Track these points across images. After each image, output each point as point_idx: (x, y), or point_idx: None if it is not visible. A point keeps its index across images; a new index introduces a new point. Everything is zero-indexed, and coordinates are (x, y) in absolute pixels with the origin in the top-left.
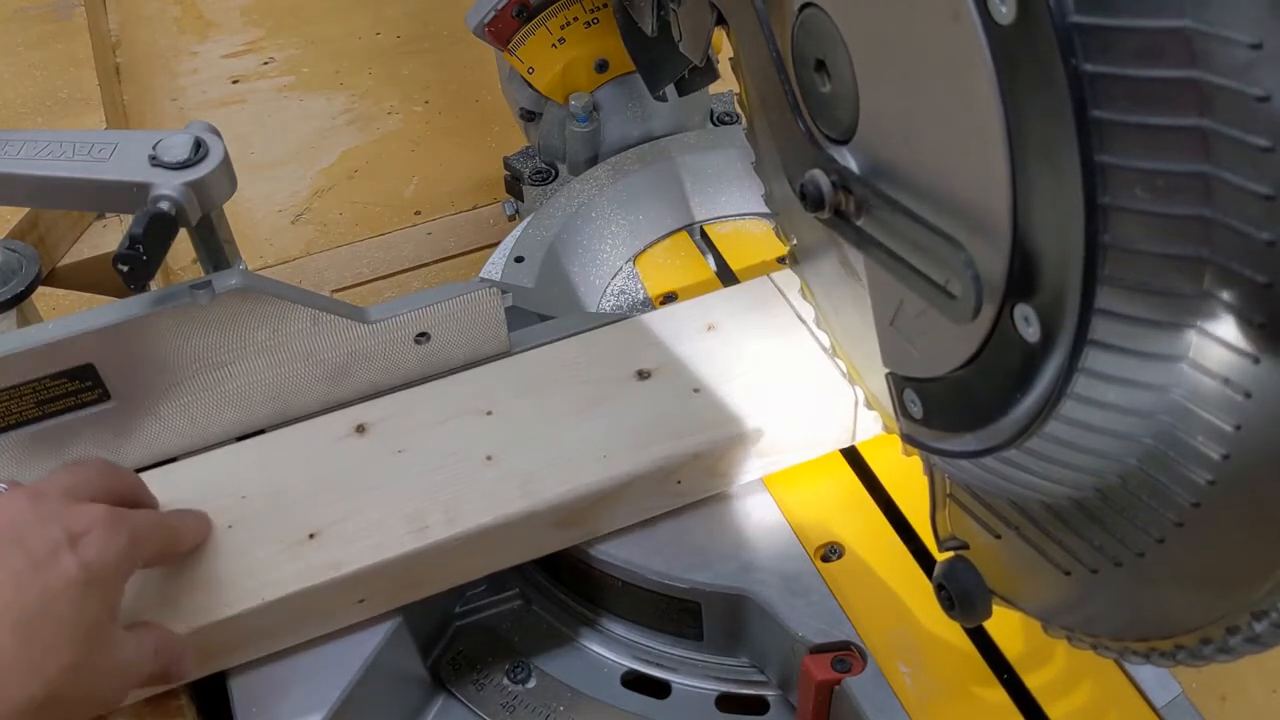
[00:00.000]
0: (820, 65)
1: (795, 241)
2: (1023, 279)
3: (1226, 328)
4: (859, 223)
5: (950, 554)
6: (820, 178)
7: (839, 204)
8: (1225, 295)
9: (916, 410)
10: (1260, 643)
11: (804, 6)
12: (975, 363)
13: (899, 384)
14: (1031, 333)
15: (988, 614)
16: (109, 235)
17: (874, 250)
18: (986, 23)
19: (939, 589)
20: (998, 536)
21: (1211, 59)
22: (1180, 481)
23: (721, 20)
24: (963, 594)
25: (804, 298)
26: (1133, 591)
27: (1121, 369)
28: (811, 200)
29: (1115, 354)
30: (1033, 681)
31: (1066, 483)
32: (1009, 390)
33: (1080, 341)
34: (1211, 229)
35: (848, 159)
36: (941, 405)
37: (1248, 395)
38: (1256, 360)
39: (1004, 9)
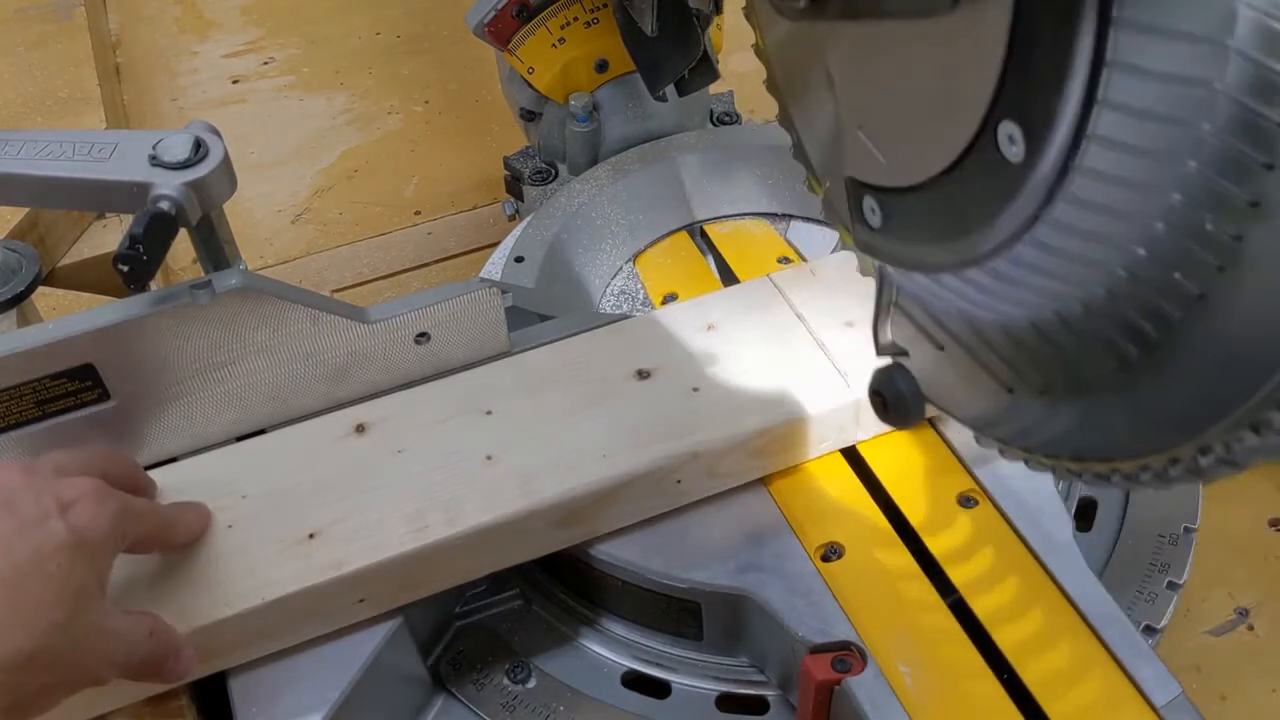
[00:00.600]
0: None
1: (767, 36)
2: (1014, 94)
3: (1227, 154)
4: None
5: (887, 360)
6: None
7: None
8: (1232, 114)
9: (875, 219)
10: (1201, 475)
11: None
12: (949, 177)
13: (858, 190)
14: (1015, 152)
15: (920, 419)
16: (109, 235)
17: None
18: None
19: (874, 394)
20: (940, 348)
21: None
22: (1148, 314)
23: None
24: (898, 399)
25: (769, 90)
26: (1077, 415)
27: (1105, 196)
28: None
29: (1100, 181)
30: (1033, 681)
31: (1027, 305)
32: (981, 209)
33: (1067, 166)
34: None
35: None
36: (904, 217)
37: (1237, 238)
38: (1270, 167)
39: None
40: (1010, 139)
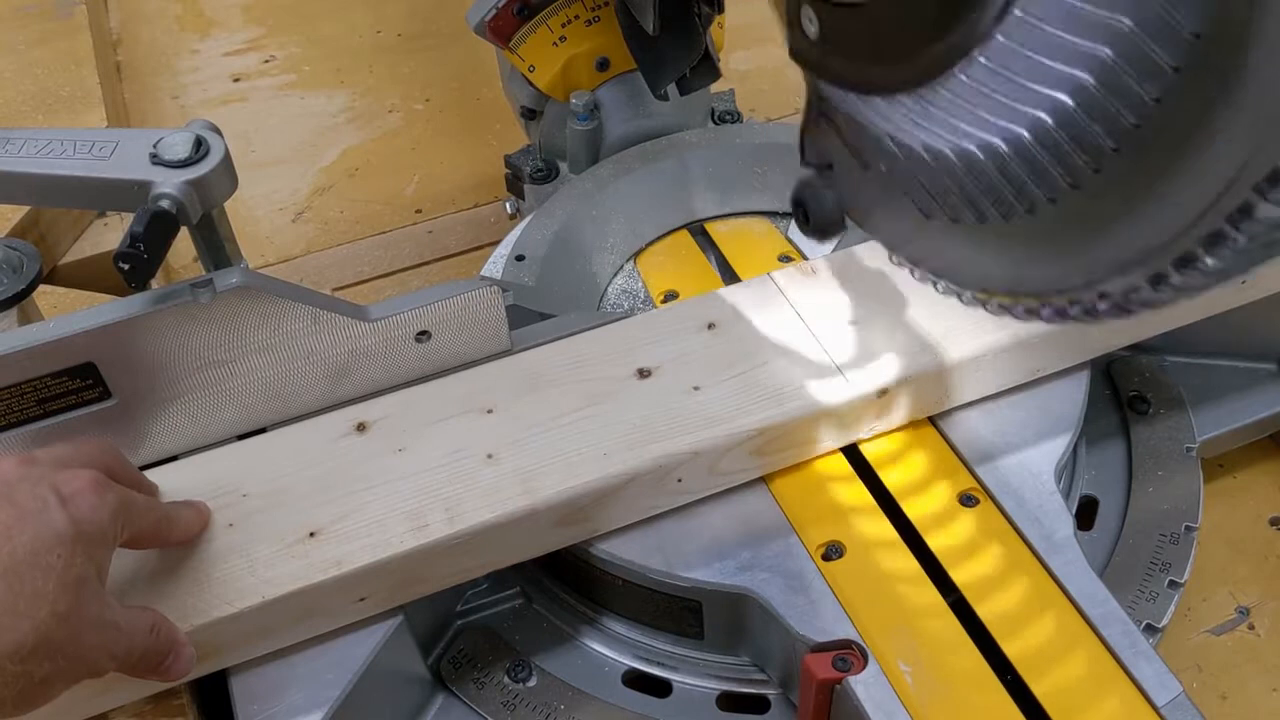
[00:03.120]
0: None
1: None
2: None
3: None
4: None
5: (811, 170)
6: None
7: None
8: None
9: (812, 29)
10: (1095, 316)
11: None
12: None
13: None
14: None
15: (840, 233)
16: (110, 233)
17: None
18: None
19: (796, 205)
20: (866, 168)
21: None
22: (1082, 146)
23: None
24: (820, 213)
25: None
26: (991, 247)
27: (1039, 41)
28: None
29: (1038, 22)
30: (1033, 680)
31: (961, 136)
32: (920, 34)
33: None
34: None
35: None
36: (841, 31)
37: (1176, 70)
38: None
39: None
40: None
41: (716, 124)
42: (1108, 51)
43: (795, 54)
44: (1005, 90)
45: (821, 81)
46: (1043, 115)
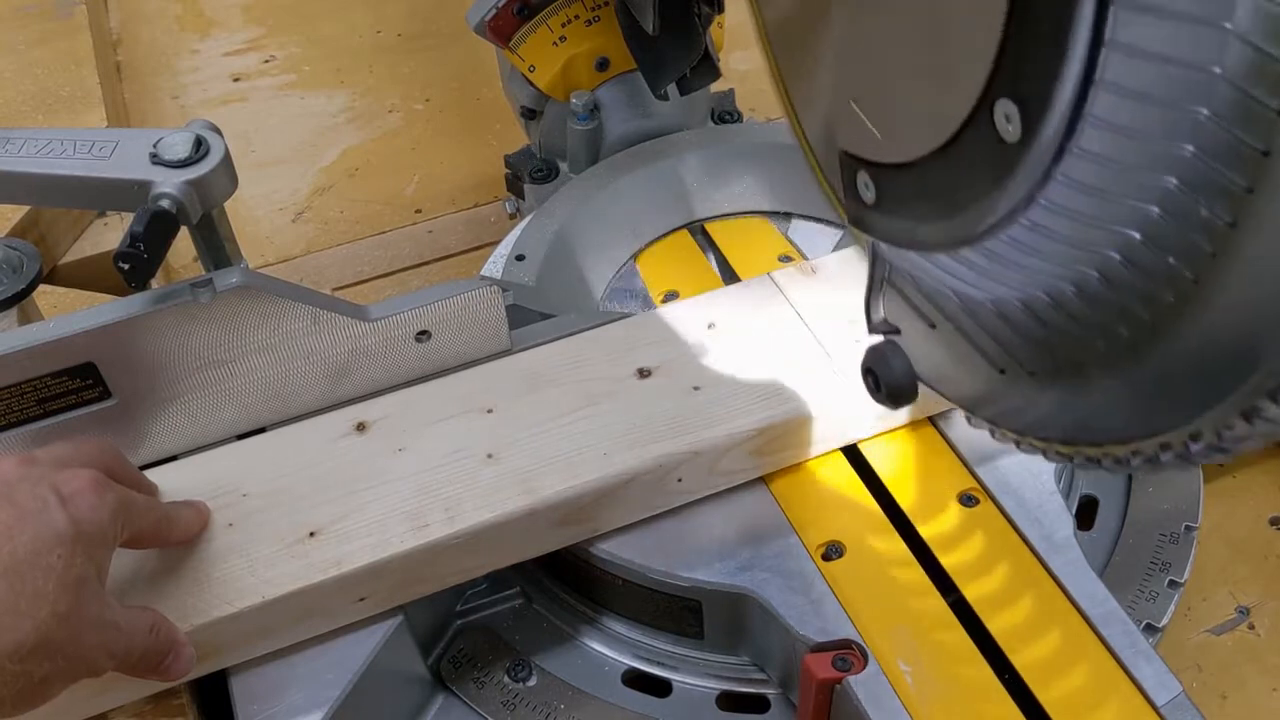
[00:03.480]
0: None
1: (765, 11)
2: (1011, 71)
3: (1223, 139)
4: None
5: (880, 337)
6: None
7: None
8: (1223, 117)
9: (869, 195)
10: (1190, 460)
11: None
12: (943, 154)
13: (852, 165)
14: (1011, 131)
15: (913, 399)
16: (110, 233)
17: None
18: None
19: (866, 373)
20: (933, 326)
21: None
22: (1141, 297)
23: None
24: (891, 379)
25: (767, 66)
26: (1068, 398)
27: (1100, 179)
28: None
29: (1096, 163)
30: (1033, 679)
31: (1018, 285)
32: (975, 188)
33: (1064, 144)
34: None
35: None
36: (898, 193)
37: (1232, 225)
38: (1266, 153)
39: None
40: (1007, 118)
41: (717, 123)
42: (1173, 180)
43: (855, 221)
44: (1069, 231)
45: (882, 244)
46: (1113, 253)
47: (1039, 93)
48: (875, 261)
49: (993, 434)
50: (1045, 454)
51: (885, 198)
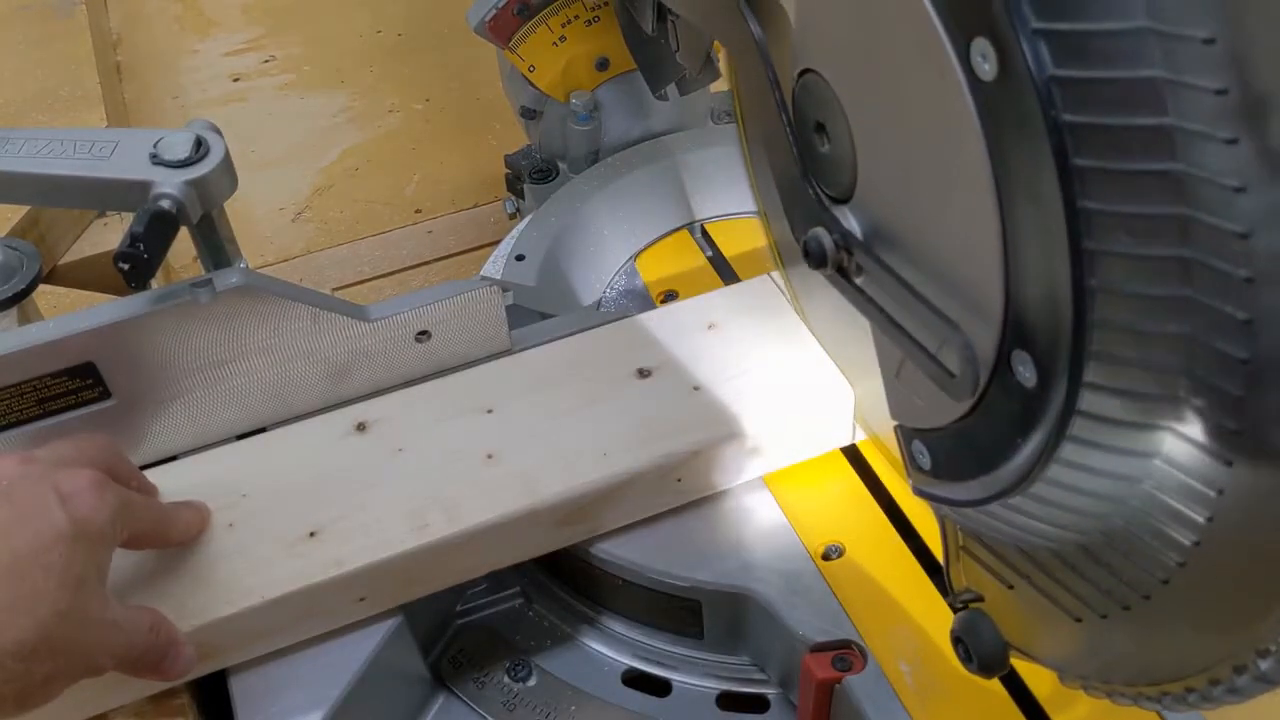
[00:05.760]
0: (820, 127)
1: (809, 307)
2: (1018, 326)
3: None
4: (859, 281)
5: (966, 607)
6: (823, 236)
7: (840, 262)
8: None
9: (925, 462)
10: (1268, 680)
11: (803, 72)
12: (976, 411)
13: (907, 436)
14: (1029, 377)
15: (1005, 667)
16: (110, 233)
17: (873, 313)
18: (971, 81)
19: (956, 642)
20: (1010, 587)
21: (1182, 105)
22: (1180, 521)
23: None
24: (981, 648)
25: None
26: (1141, 634)
27: (1114, 411)
28: (814, 257)
29: (1108, 394)
30: (1033, 679)
31: (1070, 527)
32: (1010, 436)
33: (1075, 384)
34: (1191, 269)
35: (849, 219)
36: (947, 455)
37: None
38: (1229, 463)
39: (987, 67)
40: (1022, 365)
41: (716, 123)
42: (1197, 401)
43: (920, 492)
44: (1103, 465)
45: (948, 509)
46: (1148, 486)
47: (1047, 340)
48: (946, 530)
49: (1085, 690)
50: (1136, 700)
51: (939, 462)
